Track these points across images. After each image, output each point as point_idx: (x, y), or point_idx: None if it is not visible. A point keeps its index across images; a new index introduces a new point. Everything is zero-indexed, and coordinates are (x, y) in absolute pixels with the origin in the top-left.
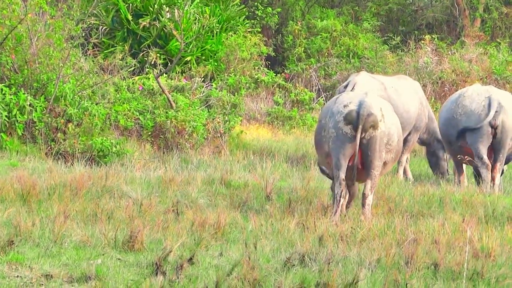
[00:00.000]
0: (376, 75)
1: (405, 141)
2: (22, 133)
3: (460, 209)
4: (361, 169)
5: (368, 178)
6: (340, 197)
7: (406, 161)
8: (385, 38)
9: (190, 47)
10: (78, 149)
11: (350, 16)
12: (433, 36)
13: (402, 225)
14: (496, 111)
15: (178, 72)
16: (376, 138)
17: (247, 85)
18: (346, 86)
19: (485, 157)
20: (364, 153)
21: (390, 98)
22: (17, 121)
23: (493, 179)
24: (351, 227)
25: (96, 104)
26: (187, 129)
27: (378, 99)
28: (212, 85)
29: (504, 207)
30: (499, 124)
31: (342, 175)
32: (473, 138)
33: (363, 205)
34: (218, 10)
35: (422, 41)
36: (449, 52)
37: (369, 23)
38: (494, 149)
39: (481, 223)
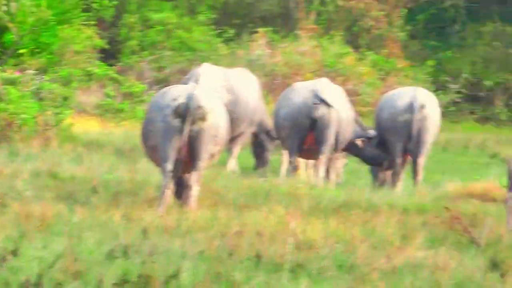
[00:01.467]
0: (217, 67)
1: (241, 133)
2: None
3: (285, 202)
4: (188, 161)
5: (194, 170)
6: (167, 189)
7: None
8: (219, 31)
9: (25, 39)
10: None
11: (186, 9)
12: (266, 29)
13: (226, 217)
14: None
15: (12, 64)
16: (204, 130)
17: (80, 77)
18: (190, 78)
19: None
20: (191, 145)
21: (234, 89)
22: None
23: (317, 170)
24: (176, 219)
25: None
26: (16, 122)
27: (207, 92)
28: (44, 78)
29: (329, 200)
30: (321, 117)
31: (170, 167)
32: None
33: (188, 196)
34: (55, 3)
35: (256, 34)
36: (282, 45)
37: (204, 16)
38: (318, 142)
39: (305, 216)
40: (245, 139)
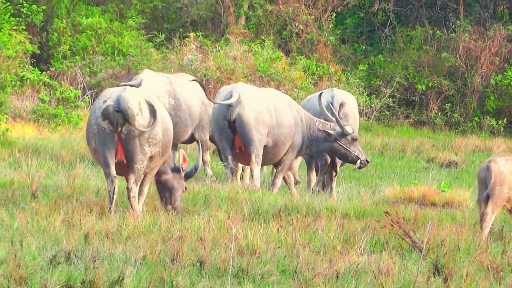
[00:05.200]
0: (159, 72)
1: (197, 139)
2: None
3: (225, 206)
4: (126, 164)
5: (131, 172)
6: (113, 194)
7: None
8: (150, 35)
9: None
10: None
11: (115, 13)
12: (197, 33)
13: (168, 222)
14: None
15: None
16: (134, 132)
17: (13, 83)
18: (132, 85)
19: (229, 157)
20: (125, 148)
21: (176, 93)
22: None
23: (251, 171)
24: (118, 225)
25: None
26: None
27: (137, 94)
28: None
29: (269, 204)
30: (237, 118)
31: (113, 172)
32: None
33: (128, 198)
34: None
35: (187, 39)
36: (214, 50)
37: (134, 21)
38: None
39: (246, 220)
40: (205, 145)
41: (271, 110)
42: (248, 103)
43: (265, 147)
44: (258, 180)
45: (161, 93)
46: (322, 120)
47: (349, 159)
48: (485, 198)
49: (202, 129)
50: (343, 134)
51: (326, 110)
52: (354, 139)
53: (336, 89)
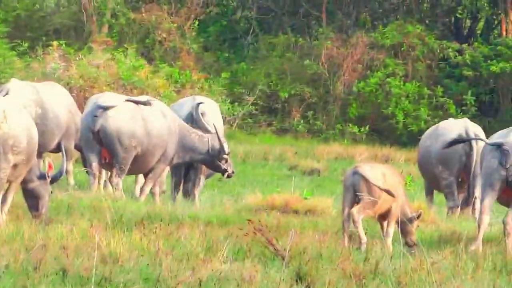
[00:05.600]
0: (27, 81)
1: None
2: None
3: (88, 215)
4: None
5: None
6: None
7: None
8: (13, 44)
9: None
10: None
11: None
12: (60, 42)
13: (31, 231)
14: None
15: None
16: None
17: None
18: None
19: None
20: None
21: (43, 103)
22: None
23: (111, 182)
24: None
25: None
26: None
27: (1, 101)
28: None
29: (132, 212)
30: (101, 129)
31: None
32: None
33: None
34: None
35: (50, 47)
36: (77, 58)
37: None
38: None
39: (109, 228)
40: (70, 153)
41: (138, 120)
42: (112, 113)
43: (134, 156)
44: (119, 189)
45: (28, 102)
46: (198, 132)
47: (217, 170)
48: (350, 204)
49: (68, 137)
50: (221, 152)
51: (205, 123)
52: (227, 154)
53: (198, 97)
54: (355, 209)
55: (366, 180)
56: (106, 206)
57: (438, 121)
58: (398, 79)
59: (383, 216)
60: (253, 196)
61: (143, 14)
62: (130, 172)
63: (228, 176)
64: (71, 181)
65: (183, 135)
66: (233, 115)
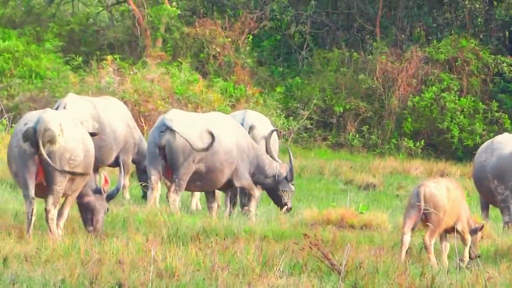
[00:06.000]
0: (83, 96)
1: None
2: None
3: (143, 229)
4: (46, 185)
5: (50, 194)
6: (31, 215)
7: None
8: (68, 58)
9: None
10: None
11: (33, 36)
12: (115, 56)
13: (86, 245)
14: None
15: None
16: (55, 153)
17: None
18: (57, 109)
19: (152, 178)
20: (45, 169)
21: (100, 118)
22: None
23: (168, 198)
24: (36, 248)
25: None
26: None
27: (58, 115)
28: None
29: (187, 227)
30: (166, 145)
31: (31, 193)
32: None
33: (47, 220)
34: None
35: (104, 61)
36: (131, 72)
37: (51, 44)
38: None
39: (165, 243)
40: (127, 167)
41: (204, 137)
42: (178, 129)
43: (198, 173)
44: (175, 206)
45: (85, 117)
46: (269, 157)
47: (278, 201)
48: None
49: (126, 152)
50: (288, 185)
51: (271, 150)
52: (292, 191)
53: (249, 111)
54: (426, 236)
55: (432, 198)
56: (162, 220)
57: (493, 136)
58: (453, 94)
59: (447, 230)
60: (309, 211)
61: (197, 29)
62: (200, 189)
63: (287, 210)
64: (127, 195)
65: (255, 155)
66: (288, 129)
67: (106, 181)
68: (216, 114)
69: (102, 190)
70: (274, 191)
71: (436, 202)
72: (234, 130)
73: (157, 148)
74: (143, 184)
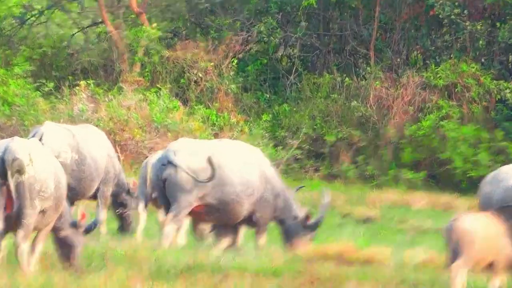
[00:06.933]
0: (62, 124)
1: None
2: None
3: (124, 265)
4: (14, 219)
5: (20, 227)
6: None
7: None
8: (38, 84)
9: None
10: None
11: (1, 60)
12: (88, 81)
13: (62, 281)
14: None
15: None
16: (24, 184)
17: None
18: (32, 137)
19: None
20: (14, 201)
21: (79, 147)
22: None
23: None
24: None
25: None
26: None
27: (27, 143)
28: None
29: (171, 263)
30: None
31: (0, 227)
32: None
33: (16, 255)
34: None
35: (77, 87)
36: (106, 99)
37: (20, 68)
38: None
39: (147, 280)
40: (106, 199)
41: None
42: (180, 163)
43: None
44: (168, 239)
45: (64, 147)
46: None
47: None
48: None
49: (106, 183)
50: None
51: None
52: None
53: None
54: (454, 264)
55: (465, 233)
56: (143, 255)
57: (499, 167)
58: (453, 122)
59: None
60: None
61: (178, 52)
62: (215, 222)
63: None
64: (103, 230)
65: (282, 188)
66: (276, 160)
67: (83, 216)
68: (232, 143)
69: (79, 225)
70: (291, 233)
71: (471, 238)
72: (250, 161)
73: (160, 181)
74: (120, 212)
